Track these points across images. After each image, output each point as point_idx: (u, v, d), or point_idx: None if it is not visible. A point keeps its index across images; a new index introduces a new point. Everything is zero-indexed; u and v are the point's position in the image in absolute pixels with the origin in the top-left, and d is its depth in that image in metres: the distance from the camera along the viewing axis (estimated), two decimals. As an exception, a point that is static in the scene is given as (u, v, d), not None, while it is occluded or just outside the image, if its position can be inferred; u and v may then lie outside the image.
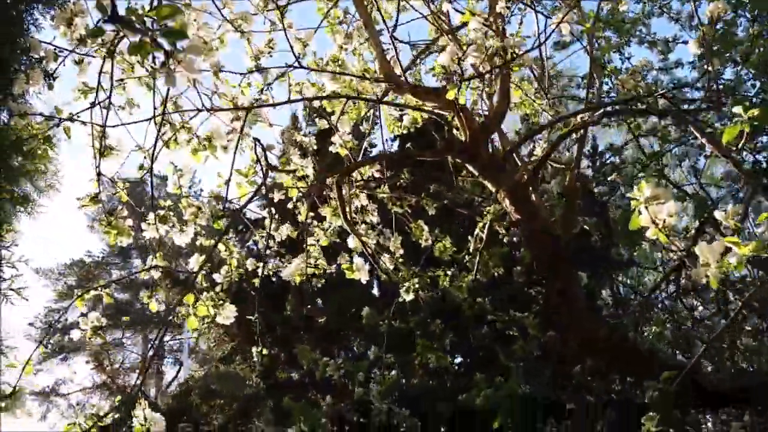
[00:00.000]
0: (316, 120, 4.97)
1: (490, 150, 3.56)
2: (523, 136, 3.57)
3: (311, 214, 4.35)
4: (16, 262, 2.62)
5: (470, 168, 3.52)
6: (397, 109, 4.45)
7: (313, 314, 9.46)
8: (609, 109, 3.66)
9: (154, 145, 3.25)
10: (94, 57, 3.48)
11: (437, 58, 3.46)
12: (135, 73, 3.62)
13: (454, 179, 4.42)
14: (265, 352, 3.33)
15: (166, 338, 24.12)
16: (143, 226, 3.34)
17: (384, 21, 4.21)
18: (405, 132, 5.27)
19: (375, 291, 11.27)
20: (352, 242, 4.15)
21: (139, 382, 2.70)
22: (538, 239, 3.34)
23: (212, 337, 11.96)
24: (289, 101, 3.40)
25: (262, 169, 3.16)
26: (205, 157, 3.74)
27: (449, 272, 5.07)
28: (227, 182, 3.37)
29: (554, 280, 3.35)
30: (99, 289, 2.85)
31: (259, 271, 3.40)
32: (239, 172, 3.71)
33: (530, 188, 3.39)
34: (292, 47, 3.34)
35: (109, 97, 3.46)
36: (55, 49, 3.36)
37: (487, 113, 3.83)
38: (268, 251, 3.92)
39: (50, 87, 3.28)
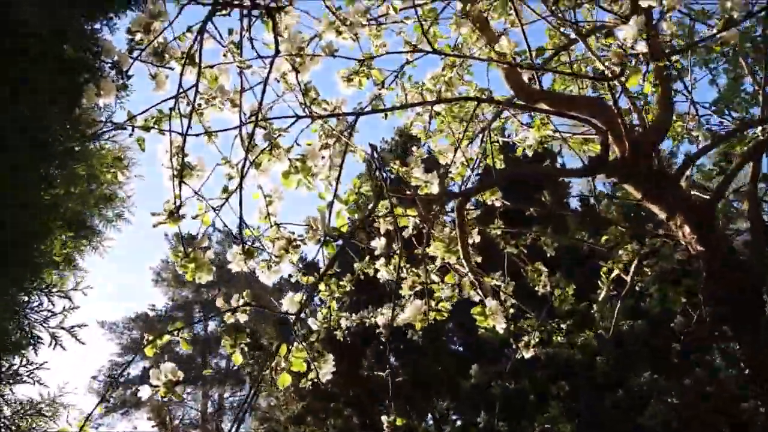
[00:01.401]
0: (414, 149, 4.37)
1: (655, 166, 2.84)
2: (699, 150, 2.83)
3: (416, 251, 3.69)
4: (73, 290, 2.03)
5: (630, 189, 2.80)
6: (517, 127, 3.80)
7: (393, 373, 8.63)
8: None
9: (244, 161, 2.66)
10: (171, 69, 2.96)
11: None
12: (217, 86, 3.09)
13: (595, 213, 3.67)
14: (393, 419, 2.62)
15: (226, 394, 23.59)
16: (229, 257, 2.73)
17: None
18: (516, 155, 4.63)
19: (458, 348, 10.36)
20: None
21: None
22: (725, 277, 2.57)
23: (278, 394, 11.23)
24: (408, 105, 2.78)
25: (377, 184, 2.52)
26: (296, 181, 3.15)
27: (568, 325, 4.31)
28: (330, 205, 2.76)
29: (745, 331, 2.57)
30: (176, 333, 2.22)
31: (382, 319, 2.73)
32: (339, 199, 3.08)
33: (714, 214, 2.64)
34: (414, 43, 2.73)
35: (192, 105, 2.93)
36: (132, 53, 2.86)
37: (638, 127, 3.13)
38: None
39: (123, 88, 2.76)
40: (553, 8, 3.72)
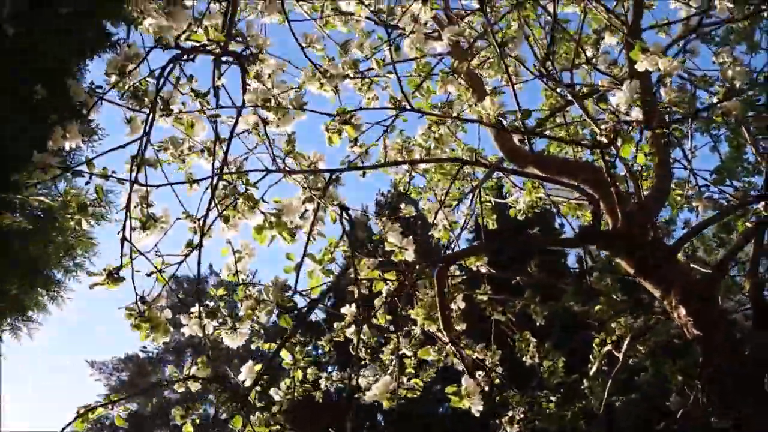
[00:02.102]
0: (402, 206, 4.19)
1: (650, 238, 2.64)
2: (699, 224, 2.64)
3: (389, 317, 3.47)
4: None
5: (622, 263, 2.60)
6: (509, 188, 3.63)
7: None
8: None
9: (205, 216, 2.47)
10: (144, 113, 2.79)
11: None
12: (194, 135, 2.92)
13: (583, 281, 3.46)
14: None
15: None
16: (183, 320, 2.52)
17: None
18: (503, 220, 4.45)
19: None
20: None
21: None
22: (726, 350, 2.35)
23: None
24: (387, 164, 2.61)
25: (348, 247, 2.32)
26: (270, 237, 2.95)
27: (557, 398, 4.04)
28: (297, 267, 2.56)
29: (747, 405, 2.34)
30: (111, 407, 1.99)
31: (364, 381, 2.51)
32: (312, 258, 2.88)
33: (715, 291, 2.44)
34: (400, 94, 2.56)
35: (157, 155, 2.76)
36: (95, 93, 2.69)
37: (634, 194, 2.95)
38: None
39: (90, 132, 2.59)
40: (549, 69, 3.59)
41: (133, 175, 2.53)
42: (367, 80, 2.86)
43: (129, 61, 2.74)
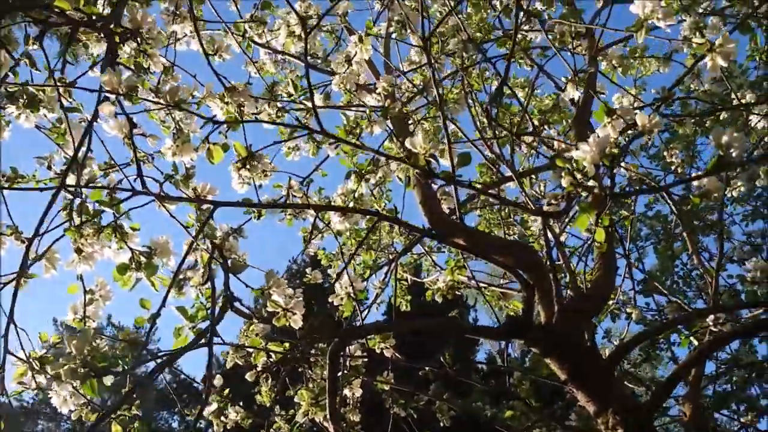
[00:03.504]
0: (308, 271, 3.68)
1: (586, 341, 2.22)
2: (635, 337, 2.23)
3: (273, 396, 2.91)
4: None
5: (553, 366, 2.16)
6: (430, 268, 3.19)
7: None
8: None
9: (35, 234, 1.89)
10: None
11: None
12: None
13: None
14: None
15: None
16: None
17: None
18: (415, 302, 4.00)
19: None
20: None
21: None
22: None
23: None
24: (287, 205, 2.12)
25: (216, 303, 1.79)
26: (135, 280, 2.38)
27: None
28: (154, 318, 1.99)
29: None
30: None
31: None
32: (182, 311, 2.31)
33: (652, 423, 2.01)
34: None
35: None
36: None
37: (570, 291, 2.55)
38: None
39: None
40: (489, 144, 3.24)
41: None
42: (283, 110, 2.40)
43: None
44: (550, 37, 3.18)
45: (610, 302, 3.38)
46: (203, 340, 1.75)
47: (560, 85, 3.46)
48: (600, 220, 1.50)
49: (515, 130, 3.08)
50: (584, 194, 1.59)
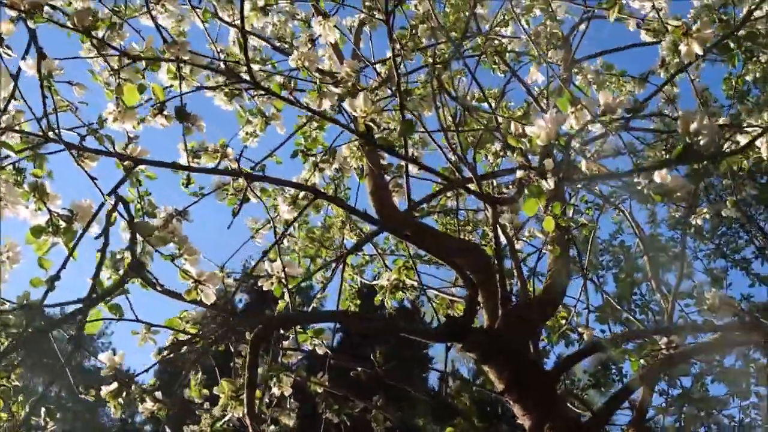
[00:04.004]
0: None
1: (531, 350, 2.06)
2: (580, 350, 2.09)
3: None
4: None
5: (491, 375, 1.99)
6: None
7: None
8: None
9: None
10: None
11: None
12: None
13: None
14: None
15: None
16: None
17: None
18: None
19: None
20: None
21: None
22: None
23: None
24: (217, 171, 1.93)
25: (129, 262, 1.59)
26: (51, 244, 2.16)
27: None
28: (52, 280, 1.78)
29: None
30: None
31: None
32: (98, 282, 2.10)
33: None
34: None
35: None
36: None
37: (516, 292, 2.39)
38: None
39: None
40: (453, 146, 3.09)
41: None
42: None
43: None
44: (524, 38, 3.06)
45: (563, 321, 3.23)
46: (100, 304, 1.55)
47: (533, 92, 3.34)
48: (550, 207, 1.34)
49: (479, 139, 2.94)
50: (536, 179, 1.43)
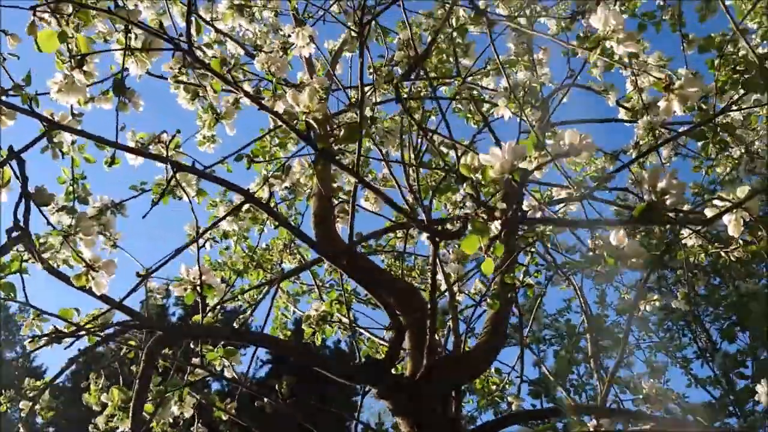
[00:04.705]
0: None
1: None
2: (500, 419, 1.92)
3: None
4: None
5: (401, 427, 1.80)
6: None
7: None
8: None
9: None
10: None
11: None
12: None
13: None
14: None
15: None
16: None
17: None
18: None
19: None
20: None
21: None
22: None
23: None
24: (141, 153, 1.73)
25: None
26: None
27: None
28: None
29: None
30: None
31: None
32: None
33: None
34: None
35: None
36: None
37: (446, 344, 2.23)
38: None
39: None
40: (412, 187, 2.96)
41: None
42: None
43: None
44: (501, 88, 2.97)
45: (494, 387, 3.07)
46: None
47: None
48: (492, 247, 1.19)
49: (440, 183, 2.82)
50: (483, 216, 1.29)
